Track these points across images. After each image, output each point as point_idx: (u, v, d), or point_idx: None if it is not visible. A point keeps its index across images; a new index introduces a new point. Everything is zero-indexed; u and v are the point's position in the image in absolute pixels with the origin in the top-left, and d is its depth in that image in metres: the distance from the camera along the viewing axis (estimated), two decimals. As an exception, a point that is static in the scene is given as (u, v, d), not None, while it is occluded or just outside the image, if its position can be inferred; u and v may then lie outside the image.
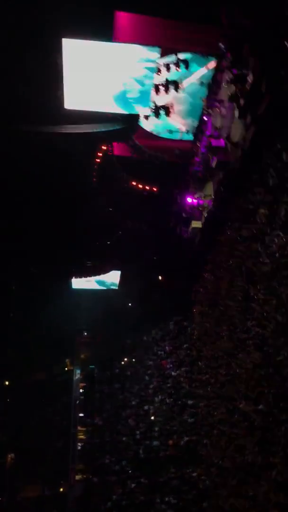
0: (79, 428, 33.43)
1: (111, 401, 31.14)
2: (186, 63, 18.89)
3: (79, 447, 32.54)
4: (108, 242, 28.27)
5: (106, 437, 28.95)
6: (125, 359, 34.35)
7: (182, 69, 18.80)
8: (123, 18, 16.97)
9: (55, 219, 24.66)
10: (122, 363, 34.43)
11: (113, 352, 34.70)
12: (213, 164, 20.17)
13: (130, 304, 33.48)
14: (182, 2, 16.46)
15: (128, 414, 28.04)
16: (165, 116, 20.55)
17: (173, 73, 19.09)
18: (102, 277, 31.42)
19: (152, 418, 25.65)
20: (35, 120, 18.70)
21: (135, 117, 20.41)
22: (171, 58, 18.71)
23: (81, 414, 34.30)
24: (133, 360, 33.19)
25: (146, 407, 26.62)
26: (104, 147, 22.12)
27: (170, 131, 21.64)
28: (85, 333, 37.61)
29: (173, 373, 25.15)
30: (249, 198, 16.79)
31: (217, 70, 18.91)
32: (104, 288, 32.72)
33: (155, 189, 24.65)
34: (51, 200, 23.45)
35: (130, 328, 32.45)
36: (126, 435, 26.65)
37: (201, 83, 19.59)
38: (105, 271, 30.53)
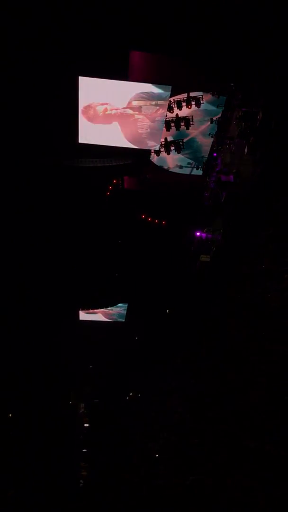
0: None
1: (115, 437, 30.46)
2: (197, 101, 19.53)
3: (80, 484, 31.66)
4: (116, 274, 28.30)
5: (109, 474, 28.20)
6: (131, 394, 33.79)
7: (193, 107, 19.42)
8: (137, 57, 17.60)
9: (65, 250, 24.84)
10: (127, 398, 33.86)
11: (119, 386, 34.18)
12: (222, 199, 20.47)
13: (137, 338, 33.14)
14: (193, 42, 17.07)
15: (132, 450, 27.37)
16: (175, 151, 21.07)
17: (185, 110, 19.71)
18: (109, 309, 31.27)
19: (157, 455, 25.00)
20: (50, 154, 19.19)
21: (146, 152, 20.87)
22: (182, 96, 19.34)
23: (84, 450, 33.55)
24: (139, 395, 32.65)
25: (150, 444, 25.99)
26: (115, 181, 22.53)
27: (180, 166, 22.04)
28: (91, 366, 37.13)
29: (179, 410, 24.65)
30: (258, 233, 16.91)
31: (227, 108, 19.41)
32: (111, 320, 32.49)
33: (164, 222, 24.87)
34: (61, 231, 23.69)
35: (137, 361, 32.04)
36: (130, 472, 25.95)
37: (212, 121, 20.09)
38: (112, 303, 30.41)
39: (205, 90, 19.31)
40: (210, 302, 22.45)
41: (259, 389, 14.76)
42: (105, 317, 31.51)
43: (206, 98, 19.51)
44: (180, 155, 21.45)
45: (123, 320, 31.62)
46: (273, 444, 13.04)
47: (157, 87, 17.99)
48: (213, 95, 19.29)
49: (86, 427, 36.13)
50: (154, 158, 21.37)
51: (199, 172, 22.06)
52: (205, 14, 15.83)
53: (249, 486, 14.18)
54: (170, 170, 22.25)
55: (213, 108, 19.78)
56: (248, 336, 16.83)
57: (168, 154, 21.16)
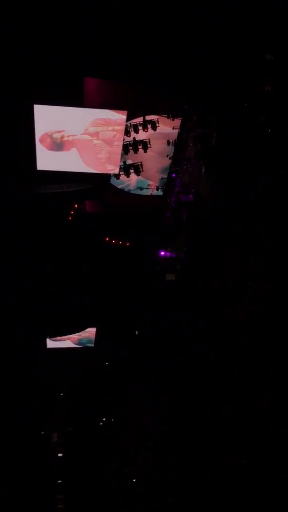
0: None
1: (90, 465, 29.79)
2: (153, 124, 19.96)
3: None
4: (82, 299, 28.08)
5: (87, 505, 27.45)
6: (104, 419, 33.23)
7: (149, 130, 19.84)
8: (91, 84, 17.86)
9: (28, 276, 24.50)
10: (101, 424, 33.28)
11: (92, 412, 33.55)
12: (184, 218, 20.82)
13: (107, 363, 32.77)
14: (146, 67, 17.53)
15: (109, 477, 26.81)
16: (135, 174, 21.38)
17: (142, 134, 20.08)
18: (77, 335, 30.86)
19: (134, 480, 24.57)
20: (8, 182, 19.04)
21: (106, 176, 21.06)
22: (139, 120, 19.73)
23: (59, 481, 32.56)
24: (112, 420, 32.16)
25: (127, 469, 25.55)
26: (76, 206, 22.56)
27: (141, 188, 22.34)
28: (62, 394, 36.31)
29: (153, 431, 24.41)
30: (219, 249, 17.25)
31: (183, 130, 19.93)
32: (80, 346, 32.05)
33: (128, 244, 25.01)
34: (24, 257, 23.40)
35: (108, 386, 31.64)
36: (108, 499, 25.35)
37: (168, 142, 20.55)
38: (80, 328, 30.05)
39: (160, 113, 19.77)
40: (179, 319, 22.55)
41: (232, 403, 14.84)
42: (74, 343, 31.08)
43: (161, 120, 19.97)
44: (140, 177, 21.75)
45: (92, 345, 31.28)
46: (249, 459, 13.10)
47: (113, 112, 18.28)
48: (168, 117, 19.79)
49: (60, 456, 35.12)
50: (114, 181, 21.59)
51: (160, 193, 22.43)
52: (156, 38, 16.28)
53: (230, 504, 14.15)
54: (131, 192, 22.51)
55: (169, 130, 20.27)
56: (218, 351, 16.94)
57: (128, 177, 21.45)
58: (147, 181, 22.11)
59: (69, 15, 15.20)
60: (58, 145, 18.76)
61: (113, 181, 21.58)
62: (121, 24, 15.77)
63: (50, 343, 30.32)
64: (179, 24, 15.66)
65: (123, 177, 21.32)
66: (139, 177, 21.69)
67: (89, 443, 32.17)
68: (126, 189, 22.30)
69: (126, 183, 22.05)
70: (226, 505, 14.22)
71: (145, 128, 19.89)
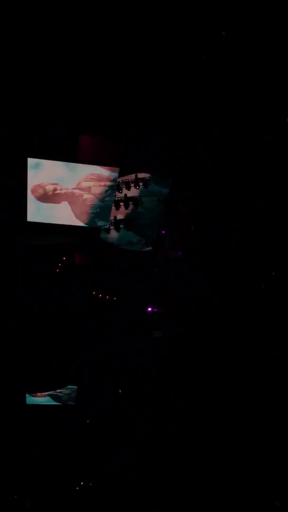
0: None
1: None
2: (144, 182, 20.32)
3: None
4: (65, 354, 27.35)
5: None
6: (81, 483, 31.43)
7: (141, 187, 20.16)
8: (86, 140, 18.25)
9: (10, 329, 23.92)
10: (77, 488, 31.43)
11: (73, 476, 31.78)
12: (172, 274, 20.81)
13: (88, 421, 31.46)
14: (139, 128, 18.08)
15: None
16: (125, 229, 21.49)
17: (133, 190, 20.38)
18: (58, 392, 29.77)
19: None
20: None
21: (96, 230, 21.13)
22: (130, 177, 20.07)
23: None
24: (90, 484, 30.47)
25: None
26: (64, 258, 22.46)
27: (130, 243, 22.40)
28: (38, 453, 34.38)
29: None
30: (206, 307, 17.14)
31: (174, 188, 20.31)
32: (60, 404, 30.84)
33: (115, 298, 24.75)
34: (7, 310, 22.95)
35: (88, 446, 30.21)
36: None
37: (159, 200, 20.86)
38: (61, 384, 29.05)
39: (151, 172, 20.18)
40: (165, 378, 22.05)
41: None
42: (54, 400, 29.90)
43: (153, 179, 20.33)
44: (129, 233, 21.86)
45: (73, 403, 30.10)
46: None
47: (105, 169, 18.60)
48: (159, 177, 20.18)
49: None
50: (104, 235, 21.64)
51: (149, 248, 22.49)
52: (151, 101, 16.93)
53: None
54: (120, 246, 22.53)
55: (160, 188, 20.62)
56: (206, 413, 16.61)
57: (118, 231, 21.53)
58: (137, 236, 22.22)
59: (65, 73, 15.79)
60: (49, 198, 18.88)
61: (103, 235, 21.64)
62: (119, 85, 16.43)
63: (30, 399, 29.16)
64: (174, 87, 16.35)
65: (113, 231, 21.40)
66: (129, 232, 21.79)
67: (65, 510, 30.25)
68: (115, 244, 22.34)
69: (116, 238, 22.11)
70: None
71: (136, 186, 20.21)
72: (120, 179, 19.70)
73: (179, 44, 14.94)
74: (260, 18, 13.31)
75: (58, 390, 29.19)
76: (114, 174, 18.95)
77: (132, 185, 20.27)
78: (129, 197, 20.66)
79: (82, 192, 19.11)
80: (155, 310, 22.81)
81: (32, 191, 18.80)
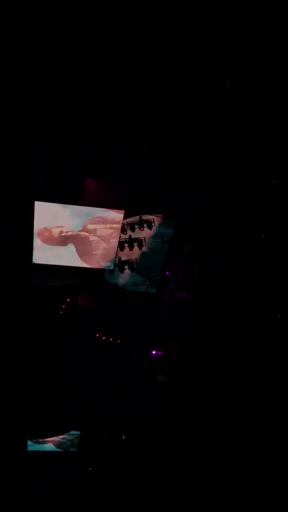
0: None
1: None
2: (148, 223, 20.60)
3: None
4: (67, 399, 26.79)
5: None
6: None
7: (145, 229, 20.42)
8: (91, 184, 18.66)
9: (12, 373, 23.54)
10: None
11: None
12: (177, 316, 20.71)
13: (90, 469, 30.38)
14: (142, 173, 18.55)
15: None
16: (129, 270, 21.57)
17: (138, 232, 20.62)
18: (60, 438, 28.93)
19: None
20: (3, 274, 19.05)
21: (101, 271, 21.20)
22: (135, 219, 20.37)
23: None
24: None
25: None
26: (69, 300, 22.40)
27: (134, 284, 22.42)
28: (40, 500, 33.00)
29: None
30: (212, 350, 16.97)
31: (177, 229, 20.56)
32: (61, 450, 29.92)
33: (118, 341, 24.47)
34: (9, 350, 22.68)
35: (90, 495, 29.00)
36: None
37: (163, 241, 21.06)
38: (63, 430, 28.27)
39: (156, 213, 20.50)
40: (168, 424, 21.51)
41: None
42: (56, 447, 29.05)
43: (157, 220, 20.66)
44: (134, 274, 21.93)
45: (76, 450, 29.22)
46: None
47: (111, 211, 18.90)
48: (163, 218, 20.48)
49: None
50: (108, 276, 21.69)
51: (153, 289, 22.48)
52: (154, 144, 17.44)
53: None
54: (124, 288, 22.53)
55: (165, 229, 20.88)
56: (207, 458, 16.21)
57: (122, 272, 21.62)
58: (141, 277, 22.27)
59: (71, 118, 16.35)
60: (55, 240, 19.08)
61: (107, 276, 21.71)
62: (122, 131, 16.97)
63: (31, 445, 28.33)
64: (175, 131, 16.87)
65: (117, 272, 21.49)
66: (133, 273, 21.87)
67: None
68: (119, 285, 22.36)
69: (120, 279, 22.17)
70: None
71: (141, 227, 20.49)
72: (125, 221, 19.99)
73: (180, 87, 15.51)
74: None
75: (60, 436, 28.40)
76: (119, 216, 19.24)
77: (137, 226, 20.56)
78: (133, 238, 20.91)
79: (88, 234, 19.35)
80: (159, 353, 22.49)
81: (38, 234, 19.08)
